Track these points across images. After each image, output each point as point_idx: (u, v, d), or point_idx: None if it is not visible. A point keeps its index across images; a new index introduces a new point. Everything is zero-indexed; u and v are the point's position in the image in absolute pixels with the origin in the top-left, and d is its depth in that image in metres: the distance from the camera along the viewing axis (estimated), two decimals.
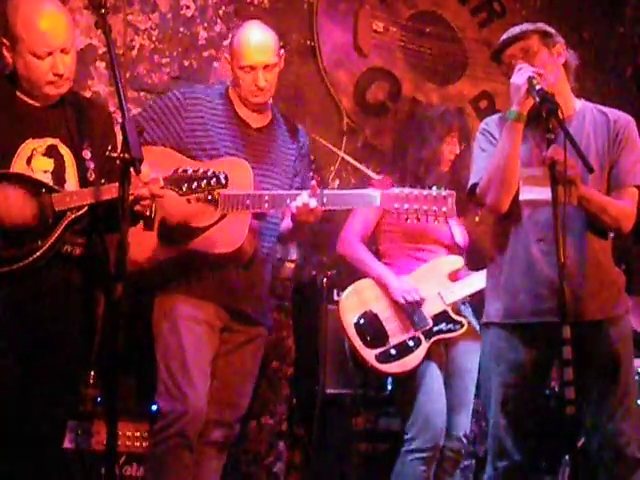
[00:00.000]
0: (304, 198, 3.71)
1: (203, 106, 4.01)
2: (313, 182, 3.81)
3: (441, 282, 4.56)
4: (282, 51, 4.05)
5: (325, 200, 3.72)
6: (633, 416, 3.55)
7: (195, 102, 4.01)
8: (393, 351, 4.41)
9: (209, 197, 3.55)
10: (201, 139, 3.96)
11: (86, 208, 3.31)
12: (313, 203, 3.70)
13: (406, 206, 3.61)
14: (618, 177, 3.62)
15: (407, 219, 3.66)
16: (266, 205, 3.76)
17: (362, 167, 4.31)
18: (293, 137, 4.17)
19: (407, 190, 3.65)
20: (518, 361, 3.57)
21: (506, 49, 3.67)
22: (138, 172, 2.99)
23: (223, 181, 3.47)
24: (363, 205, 3.84)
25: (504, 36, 3.69)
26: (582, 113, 3.70)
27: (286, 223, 4.01)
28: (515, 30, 3.67)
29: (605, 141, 3.65)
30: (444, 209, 3.58)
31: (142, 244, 3.75)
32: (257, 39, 3.96)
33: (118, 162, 2.99)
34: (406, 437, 4.38)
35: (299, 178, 4.13)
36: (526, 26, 3.68)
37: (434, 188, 3.62)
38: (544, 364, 3.62)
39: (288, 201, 3.73)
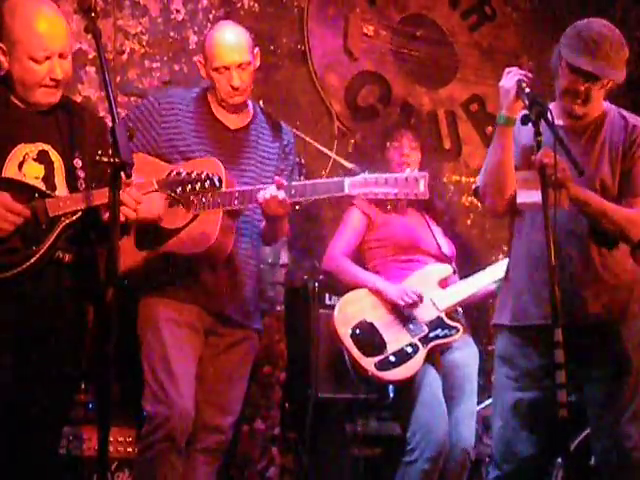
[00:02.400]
0: (272, 190, 3.70)
1: (178, 110, 4.01)
2: (277, 177, 3.79)
3: (432, 289, 4.56)
4: (256, 49, 4.03)
5: (293, 192, 3.71)
6: None
7: (170, 107, 4.01)
8: (392, 358, 4.39)
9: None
10: (177, 142, 3.96)
11: (80, 213, 3.30)
12: (281, 195, 3.69)
13: (376, 190, 3.57)
14: (631, 186, 3.58)
15: (378, 205, 3.62)
16: (236, 202, 3.75)
17: (337, 157, 4.28)
18: (276, 136, 4.13)
19: (376, 174, 3.61)
20: (530, 365, 3.56)
21: (583, 75, 3.52)
22: (129, 177, 2.99)
23: (217, 183, 3.47)
24: (333, 192, 3.71)
25: (591, 68, 3.47)
26: (604, 118, 3.65)
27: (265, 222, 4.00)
28: (604, 71, 3.50)
29: (620, 145, 3.60)
30: (416, 191, 3.54)
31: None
32: (228, 39, 3.94)
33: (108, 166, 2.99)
34: (407, 448, 4.35)
35: (282, 176, 4.03)
36: (614, 72, 3.52)
37: (407, 170, 3.61)
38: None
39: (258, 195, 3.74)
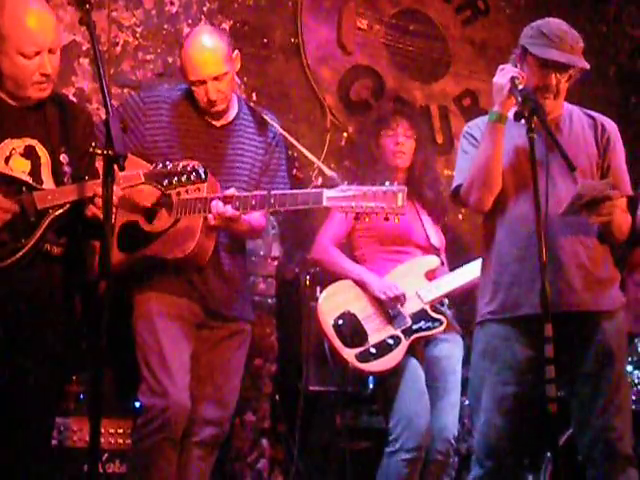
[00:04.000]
0: (218, 207, 3.69)
1: (164, 109, 3.99)
2: (231, 190, 3.75)
3: (418, 281, 4.57)
4: (236, 52, 3.97)
5: (272, 201, 3.67)
6: (625, 412, 3.55)
7: (155, 105, 3.99)
8: (373, 350, 4.41)
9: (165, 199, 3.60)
10: (161, 143, 3.95)
11: (68, 206, 3.30)
12: (229, 211, 3.69)
13: (353, 204, 3.51)
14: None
15: (357, 218, 3.59)
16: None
17: (319, 163, 4.26)
18: (262, 130, 4.09)
19: (354, 187, 3.56)
20: (514, 359, 3.57)
21: (554, 67, 3.58)
22: (122, 169, 2.99)
23: (203, 175, 3.46)
24: (312, 204, 3.65)
25: (564, 59, 3.56)
26: (569, 114, 3.73)
27: None
28: (573, 60, 3.58)
29: (593, 143, 3.68)
30: (394, 206, 3.47)
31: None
32: (202, 52, 3.87)
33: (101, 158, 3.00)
34: (390, 438, 4.38)
35: (269, 172, 4.08)
36: (581, 61, 3.60)
37: (387, 183, 3.53)
38: (540, 361, 3.58)
39: (237, 204, 3.71)
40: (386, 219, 3.51)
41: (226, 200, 3.72)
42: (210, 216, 3.73)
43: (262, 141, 4.09)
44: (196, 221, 3.78)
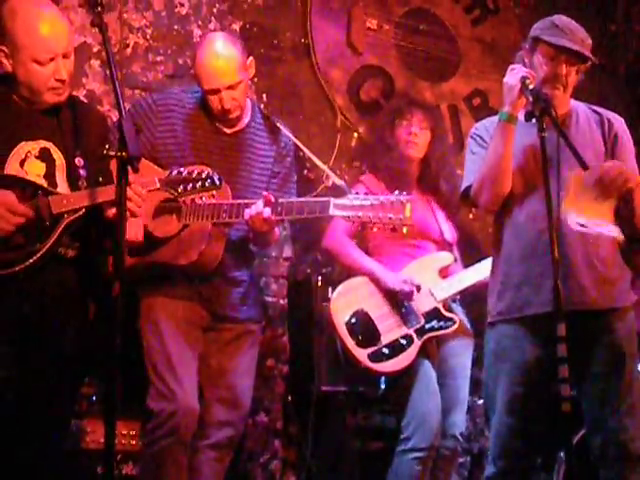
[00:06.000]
0: (258, 207, 3.67)
1: (175, 112, 3.98)
2: (265, 193, 3.74)
3: (431, 279, 4.56)
4: (250, 59, 3.96)
5: (279, 209, 3.67)
6: (638, 412, 3.53)
7: (166, 108, 3.98)
8: (385, 350, 4.41)
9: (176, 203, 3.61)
10: (172, 147, 3.94)
11: (83, 210, 3.31)
12: (267, 212, 3.66)
13: (360, 214, 3.49)
14: None
15: (363, 227, 3.56)
16: (224, 215, 3.73)
17: (329, 171, 4.25)
18: (273, 138, 4.09)
19: (362, 196, 3.54)
20: (524, 359, 3.56)
21: (565, 56, 3.59)
22: (136, 171, 2.99)
23: (217, 182, 3.48)
24: (318, 213, 3.63)
25: (576, 48, 3.58)
26: (575, 110, 3.72)
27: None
28: (585, 52, 3.59)
29: (600, 139, 3.67)
30: (401, 216, 3.42)
31: None
32: (216, 61, 3.84)
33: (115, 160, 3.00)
34: (402, 437, 4.38)
35: (278, 180, 4.07)
36: (587, 52, 3.61)
37: (396, 192, 3.49)
38: (550, 361, 3.56)
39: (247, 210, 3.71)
40: (393, 230, 3.48)
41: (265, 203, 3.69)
42: (247, 214, 3.69)
43: (273, 149, 4.09)
44: (205, 227, 3.78)
